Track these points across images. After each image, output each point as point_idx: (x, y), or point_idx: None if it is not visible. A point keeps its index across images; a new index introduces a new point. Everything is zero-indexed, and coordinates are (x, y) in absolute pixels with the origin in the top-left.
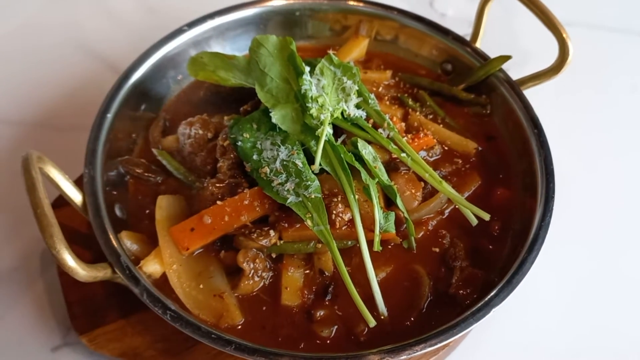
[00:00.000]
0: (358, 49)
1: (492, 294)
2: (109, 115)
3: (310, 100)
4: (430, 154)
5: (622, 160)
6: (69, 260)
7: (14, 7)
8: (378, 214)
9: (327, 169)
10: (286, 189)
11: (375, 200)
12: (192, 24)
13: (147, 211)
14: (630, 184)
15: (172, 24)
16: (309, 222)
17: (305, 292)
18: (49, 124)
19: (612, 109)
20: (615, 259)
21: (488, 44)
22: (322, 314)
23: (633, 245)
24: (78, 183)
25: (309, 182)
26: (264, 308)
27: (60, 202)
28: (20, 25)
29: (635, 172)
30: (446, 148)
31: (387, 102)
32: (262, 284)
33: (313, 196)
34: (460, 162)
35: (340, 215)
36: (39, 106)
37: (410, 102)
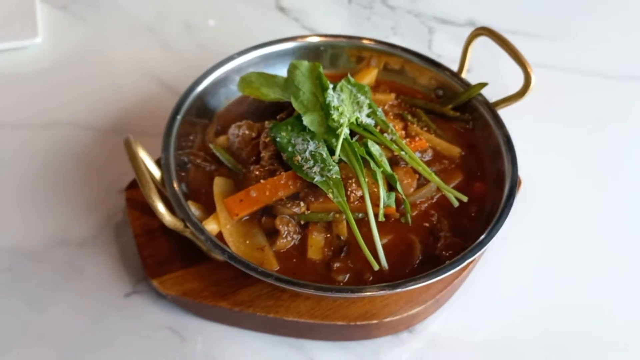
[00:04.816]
0: (369, 77)
1: (465, 252)
2: (178, 117)
3: (332, 109)
4: (423, 156)
5: (585, 172)
6: (160, 207)
7: (93, 45)
8: (382, 192)
9: (344, 159)
10: (313, 171)
11: (380, 182)
12: (240, 53)
13: (204, 190)
14: (588, 191)
15: (216, 56)
16: (330, 195)
17: (326, 250)
18: (119, 130)
19: (579, 135)
20: (569, 252)
21: (475, 79)
22: (338, 265)
23: (585, 244)
24: None
25: (331, 167)
26: (294, 260)
27: (135, 184)
28: (100, 56)
29: (592, 182)
30: (436, 152)
31: (391, 117)
32: (292, 243)
33: (334, 177)
34: (447, 162)
35: (354, 192)
36: (111, 116)
37: (409, 117)
